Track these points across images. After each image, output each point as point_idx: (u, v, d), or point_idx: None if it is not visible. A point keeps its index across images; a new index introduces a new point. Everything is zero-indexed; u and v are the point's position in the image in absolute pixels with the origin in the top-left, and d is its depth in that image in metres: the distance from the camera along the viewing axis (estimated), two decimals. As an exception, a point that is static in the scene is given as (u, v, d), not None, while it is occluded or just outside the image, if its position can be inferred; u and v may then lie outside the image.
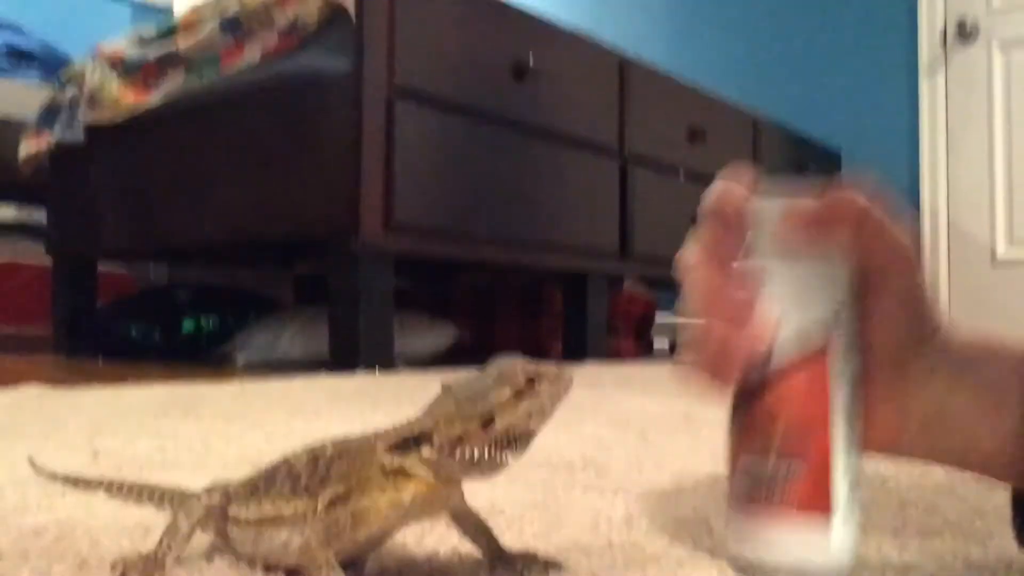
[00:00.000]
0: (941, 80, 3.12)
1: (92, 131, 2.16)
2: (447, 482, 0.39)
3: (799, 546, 0.39)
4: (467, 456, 0.38)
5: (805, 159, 3.06)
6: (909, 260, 0.41)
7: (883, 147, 3.25)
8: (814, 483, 0.39)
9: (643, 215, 2.31)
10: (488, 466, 0.38)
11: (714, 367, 0.42)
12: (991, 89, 3.02)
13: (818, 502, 0.39)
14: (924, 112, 3.15)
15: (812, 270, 0.40)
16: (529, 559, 0.43)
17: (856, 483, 0.40)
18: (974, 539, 0.50)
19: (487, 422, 0.38)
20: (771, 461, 0.39)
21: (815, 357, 0.40)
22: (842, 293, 0.41)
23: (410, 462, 0.39)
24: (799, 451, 0.39)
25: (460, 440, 0.38)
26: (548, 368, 0.39)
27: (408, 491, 0.39)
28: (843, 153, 3.31)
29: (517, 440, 0.38)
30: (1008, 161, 2.99)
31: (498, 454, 0.38)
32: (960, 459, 0.43)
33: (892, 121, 3.23)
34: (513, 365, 0.39)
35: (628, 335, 2.70)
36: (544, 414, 0.38)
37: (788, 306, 0.40)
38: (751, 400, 0.41)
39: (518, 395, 0.38)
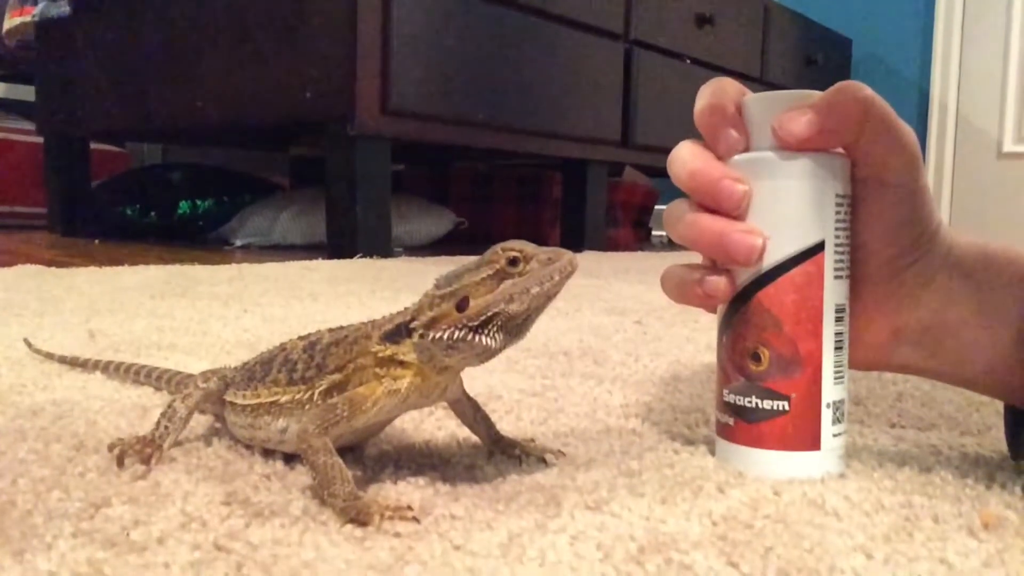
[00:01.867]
0: (960, -33, 3.00)
1: (78, 4, 2.08)
2: (441, 369, 0.39)
3: (784, 470, 0.40)
4: (443, 338, 0.37)
5: (815, 47, 2.98)
6: (912, 156, 0.40)
7: (896, 36, 3.16)
8: (800, 423, 0.39)
9: (647, 102, 2.26)
10: (468, 348, 0.37)
11: (709, 261, 0.41)
12: (1012, -22, 2.92)
13: (804, 442, 0.40)
14: (940, 1, 3.04)
15: (812, 164, 0.39)
16: (527, 445, 0.43)
17: (841, 415, 0.40)
18: (969, 432, 0.50)
19: (461, 303, 0.37)
20: (759, 393, 0.40)
21: (812, 254, 0.39)
22: (842, 188, 0.40)
23: (402, 349, 0.38)
24: (788, 378, 0.39)
25: (434, 322, 0.37)
26: (541, 250, 0.37)
27: (403, 379, 0.38)
28: (855, 42, 3.22)
29: (500, 323, 0.37)
30: (1023, 56, 2.91)
31: (476, 337, 0.36)
32: (954, 373, 0.42)
33: (906, 9, 3.13)
34: (501, 247, 0.37)
35: (627, 224, 2.68)
36: (528, 296, 0.36)
37: (785, 200, 0.39)
38: (744, 300, 0.40)
39: (497, 276, 0.36)
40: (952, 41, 3.03)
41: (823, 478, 0.39)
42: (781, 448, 0.40)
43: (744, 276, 0.40)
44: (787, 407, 0.39)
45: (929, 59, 3.09)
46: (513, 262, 0.36)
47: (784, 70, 2.84)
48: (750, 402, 0.40)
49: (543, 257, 0.37)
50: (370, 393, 0.38)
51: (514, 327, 0.37)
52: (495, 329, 0.37)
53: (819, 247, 0.39)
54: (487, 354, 0.37)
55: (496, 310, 0.36)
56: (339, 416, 0.37)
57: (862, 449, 0.45)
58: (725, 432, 0.41)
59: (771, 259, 0.39)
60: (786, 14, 2.85)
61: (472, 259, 0.38)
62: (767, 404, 0.40)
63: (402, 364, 0.38)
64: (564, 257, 0.37)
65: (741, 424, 0.40)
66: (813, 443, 0.39)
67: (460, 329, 0.37)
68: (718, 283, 0.40)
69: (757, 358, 0.40)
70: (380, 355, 0.39)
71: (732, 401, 0.41)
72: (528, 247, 0.37)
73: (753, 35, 2.69)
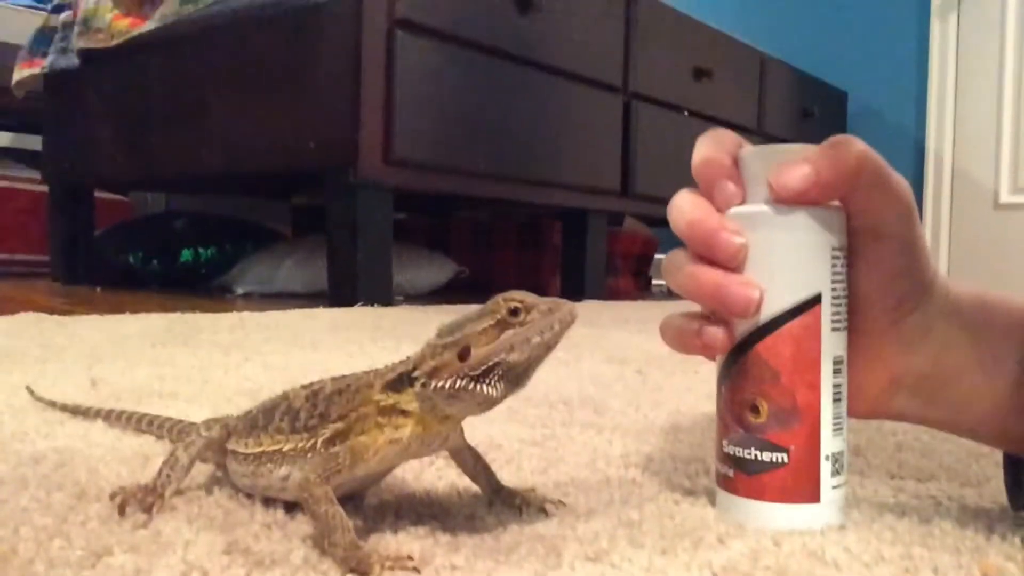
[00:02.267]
0: (953, 22, 3.06)
1: (86, 56, 2.12)
2: (443, 419, 0.39)
3: (784, 522, 0.40)
4: (445, 387, 0.37)
5: (811, 100, 3.02)
6: (907, 208, 0.40)
7: (891, 89, 3.21)
8: (800, 475, 0.40)
9: (645, 153, 2.29)
10: (470, 398, 0.37)
11: (706, 314, 0.42)
12: (1003, 33, 2.97)
13: (803, 494, 0.40)
14: (934, 55, 3.09)
15: (808, 217, 0.40)
16: (527, 495, 0.43)
17: (841, 466, 0.41)
18: (969, 483, 0.50)
19: (463, 353, 0.37)
20: (758, 445, 0.40)
21: (809, 306, 0.40)
22: (838, 240, 0.40)
23: (404, 399, 0.39)
24: (786, 430, 0.40)
25: (436, 371, 0.38)
26: (542, 300, 0.37)
27: (405, 428, 0.39)
28: (850, 95, 3.27)
29: (501, 373, 0.37)
30: (1016, 107, 2.95)
31: (478, 386, 0.37)
32: (953, 422, 0.43)
33: (901, 63, 3.18)
34: (502, 297, 0.38)
35: (627, 273, 2.70)
36: (529, 346, 0.37)
37: (782, 253, 0.40)
38: (742, 352, 0.40)
39: (499, 326, 0.37)
40: (946, 94, 3.08)
41: (823, 530, 0.39)
42: (781, 500, 0.40)
43: (742, 327, 0.40)
44: (786, 459, 0.39)
45: (924, 111, 3.13)
46: (514, 312, 0.37)
47: (780, 122, 2.88)
48: (749, 454, 0.40)
49: (544, 307, 0.37)
50: (372, 442, 0.38)
51: (515, 376, 0.37)
52: (496, 378, 0.37)
53: (816, 299, 0.40)
54: (488, 403, 0.38)
55: (497, 359, 0.37)
56: (340, 465, 0.37)
57: (862, 500, 0.45)
58: (725, 483, 0.42)
59: (769, 311, 0.40)
60: (782, 68, 2.90)
61: (473, 308, 0.38)
62: (766, 456, 0.40)
63: (404, 413, 0.39)
64: (564, 307, 0.37)
65: (741, 476, 0.41)
66: (813, 495, 0.39)
67: (462, 378, 0.37)
68: (716, 334, 0.41)
69: (756, 410, 0.40)
70: (382, 404, 0.39)
71: (732, 452, 0.41)
72: (529, 297, 0.38)
73: (750, 88, 2.74)
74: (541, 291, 0.38)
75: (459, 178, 1.84)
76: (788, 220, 0.40)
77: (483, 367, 0.37)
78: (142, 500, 0.41)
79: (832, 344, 0.40)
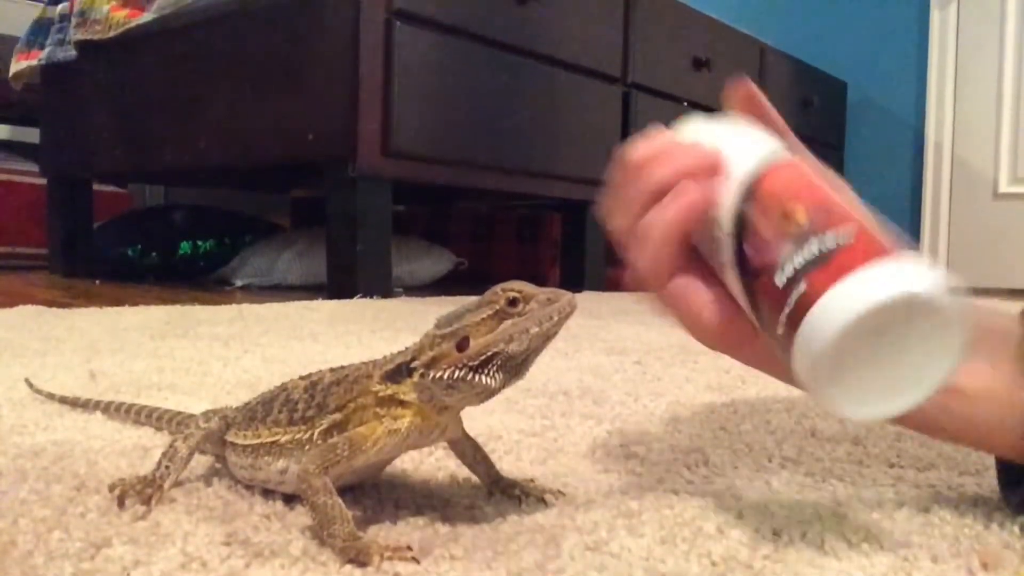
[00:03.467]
0: (953, 11, 3.05)
1: (84, 48, 2.11)
2: (441, 410, 0.39)
3: (881, 283, 0.32)
4: (443, 377, 0.37)
5: (811, 90, 3.01)
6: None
7: (890, 79, 3.20)
8: (871, 237, 0.34)
9: (644, 144, 2.28)
10: (468, 389, 0.37)
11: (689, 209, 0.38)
12: (1003, 24, 2.96)
13: (882, 251, 0.33)
14: (934, 44, 3.08)
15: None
16: (526, 486, 0.43)
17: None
18: (968, 472, 0.50)
19: (461, 343, 0.37)
20: (817, 238, 0.34)
21: (778, 154, 0.38)
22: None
23: (403, 389, 0.39)
24: (834, 212, 0.34)
25: (435, 361, 0.38)
26: (541, 290, 0.37)
27: (404, 419, 0.39)
28: (850, 85, 3.26)
29: (500, 363, 0.37)
30: (1016, 96, 2.94)
31: (477, 376, 0.37)
32: (955, 436, 0.42)
33: (901, 52, 3.17)
34: (501, 288, 0.37)
35: (626, 265, 2.69)
36: (528, 336, 0.37)
37: (741, 142, 0.39)
38: (748, 200, 0.37)
39: (497, 316, 0.37)
40: (946, 83, 3.07)
41: (821, 517, 0.39)
42: (866, 260, 0.33)
43: (731, 191, 0.37)
44: (852, 230, 0.34)
45: (923, 101, 3.12)
46: (513, 302, 0.37)
47: (780, 113, 2.87)
48: (815, 246, 0.34)
49: (543, 298, 0.37)
50: (370, 433, 0.38)
51: (514, 367, 0.37)
52: (495, 369, 0.37)
53: (780, 149, 0.38)
54: (487, 393, 0.38)
55: (496, 350, 0.37)
56: (339, 456, 0.37)
57: (861, 488, 0.45)
58: (800, 305, 0.33)
59: (743, 167, 0.37)
60: (782, 58, 2.89)
61: (472, 299, 0.38)
62: (831, 238, 0.33)
63: (402, 404, 0.39)
64: (563, 298, 0.37)
65: (816, 273, 0.33)
66: (893, 251, 0.33)
67: (460, 369, 0.37)
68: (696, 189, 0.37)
69: (794, 219, 0.35)
70: (381, 395, 0.39)
71: (796, 265, 0.34)
72: (528, 288, 0.37)
73: (750, 78, 2.72)
74: (540, 282, 0.38)
75: (458, 170, 1.83)
76: (735, 126, 0.41)
77: (481, 357, 0.37)
78: (141, 492, 0.41)
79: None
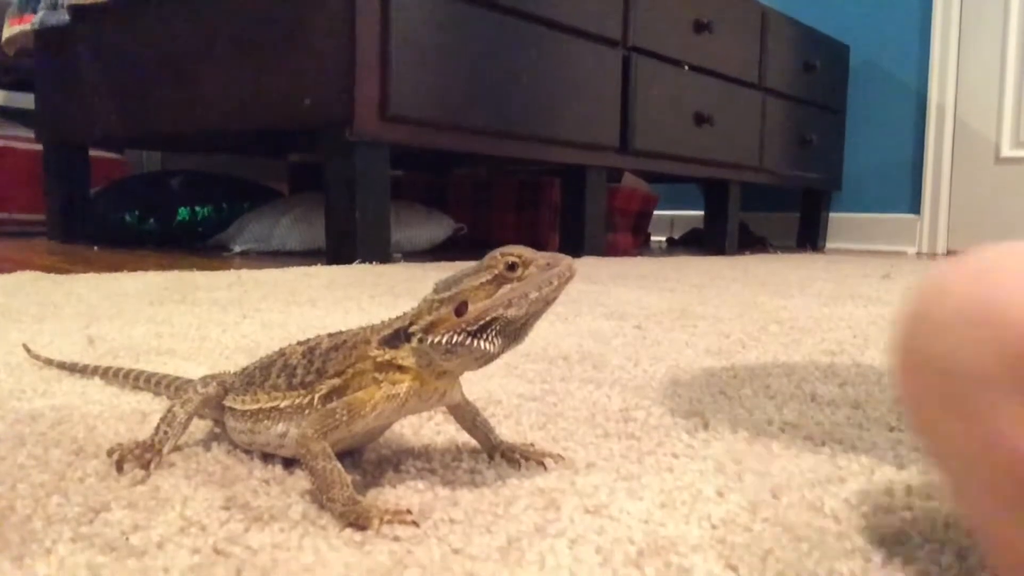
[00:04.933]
0: (957, -28, 3.01)
1: (77, 13, 2.09)
2: (440, 375, 0.39)
3: None
4: (442, 342, 0.37)
5: (813, 54, 2.99)
6: None
7: (893, 42, 3.16)
8: None
9: (645, 108, 2.27)
10: (466, 353, 0.37)
11: None
12: (1008, -16, 2.93)
13: None
14: (937, 7, 3.05)
15: None
16: (526, 450, 0.43)
17: None
18: (968, 436, 0.50)
19: (460, 308, 0.37)
20: None
21: None
22: None
23: (401, 354, 0.38)
24: None
25: (433, 326, 0.37)
26: (540, 255, 0.37)
27: (402, 384, 0.38)
28: (852, 48, 3.23)
29: (498, 328, 0.37)
30: (1020, 60, 2.92)
31: (475, 341, 0.37)
32: None
33: (904, 16, 3.14)
34: (500, 252, 0.37)
35: (626, 229, 2.69)
36: (527, 301, 0.36)
37: None
38: None
39: (496, 281, 0.37)
40: (949, 46, 3.04)
41: (820, 480, 0.39)
42: None
43: None
44: None
45: (927, 65, 3.10)
46: (512, 267, 0.37)
47: (782, 76, 2.85)
48: None
49: (542, 262, 0.37)
50: (369, 398, 0.38)
51: (513, 331, 0.37)
52: (494, 333, 0.37)
53: None
54: (486, 358, 0.38)
55: (495, 315, 0.36)
56: (338, 421, 0.37)
57: (860, 452, 0.45)
58: None
59: None
60: (784, 20, 2.86)
61: (471, 264, 0.38)
62: None
63: (401, 369, 0.38)
64: (563, 262, 0.37)
65: None
66: None
67: (459, 333, 0.37)
68: None
69: None
70: (379, 360, 0.39)
71: None
72: (527, 252, 0.37)
73: (751, 41, 2.70)
74: (540, 247, 0.38)
75: (457, 134, 1.82)
76: None
77: (480, 322, 0.36)
78: (140, 456, 0.41)
79: None
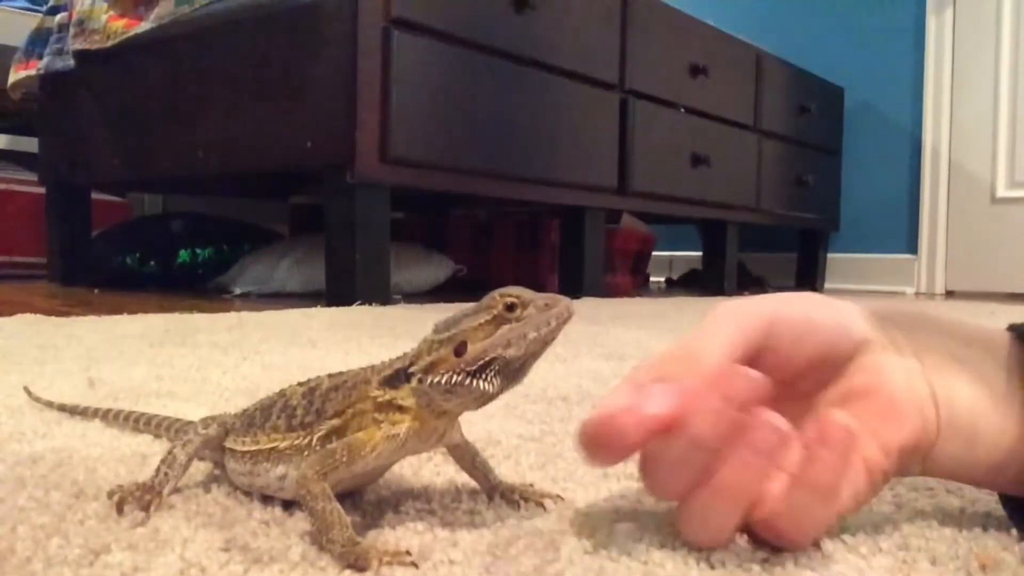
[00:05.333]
0: (949, 17, 3.06)
1: (82, 58, 2.12)
2: (439, 414, 0.39)
3: None
4: (441, 382, 0.37)
5: (808, 96, 3.02)
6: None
7: (887, 85, 3.20)
8: None
9: (643, 150, 2.29)
10: (466, 394, 0.37)
11: None
12: (999, 28, 2.97)
13: None
14: (930, 49, 3.09)
15: None
16: (525, 490, 0.43)
17: None
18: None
19: (459, 348, 0.37)
20: None
21: None
22: None
23: (401, 394, 0.39)
24: None
25: (433, 366, 0.38)
26: (539, 296, 0.37)
27: (402, 424, 0.39)
28: (847, 90, 3.27)
29: (497, 368, 0.37)
30: (1013, 101, 2.95)
31: (474, 381, 0.37)
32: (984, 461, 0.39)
33: (897, 58, 3.18)
34: (499, 293, 0.37)
35: (625, 270, 2.70)
36: (526, 341, 0.37)
37: None
38: None
39: (495, 321, 0.37)
40: (943, 89, 3.08)
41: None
42: None
43: None
44: None
45: (920, 106, 3.13)
46: (511, 307, 0.37)
47: (777, 119, 2.88)
48: None
49: (540, 303, 0.37)
50: (369, 439, 0.38)
51: (511, 372, 0.37)
52: (492, 374, 0.37)
53: None
54: (485, 398, 0.38)
55: (493, 355, 0.37)
56: (338, 461, 0.37)
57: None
58: None
59: None
60: (778, 64, 2.90)
61: (470, 305, 0.38)
62: None
63: (401, 409, 0.39)
64: (561, 303, 0.37)
65: None
66: None
67: (458, 374, 0.37)
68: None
69: None
70: (379, 400, 0.39)
71: None
72: (525, 293, 0.38)
73: (746, 84, 2.74)
74: (539, 289, 0.38)
75: (456, 176, 1.84)
76: None
77: (479, 362, 0.37)
78: (140, 498, 0.41)
79: None
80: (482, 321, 0.37)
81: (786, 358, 0.38)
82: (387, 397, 0.39)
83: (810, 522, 0.35)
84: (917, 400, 0.37)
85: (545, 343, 0.37)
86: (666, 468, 0.35)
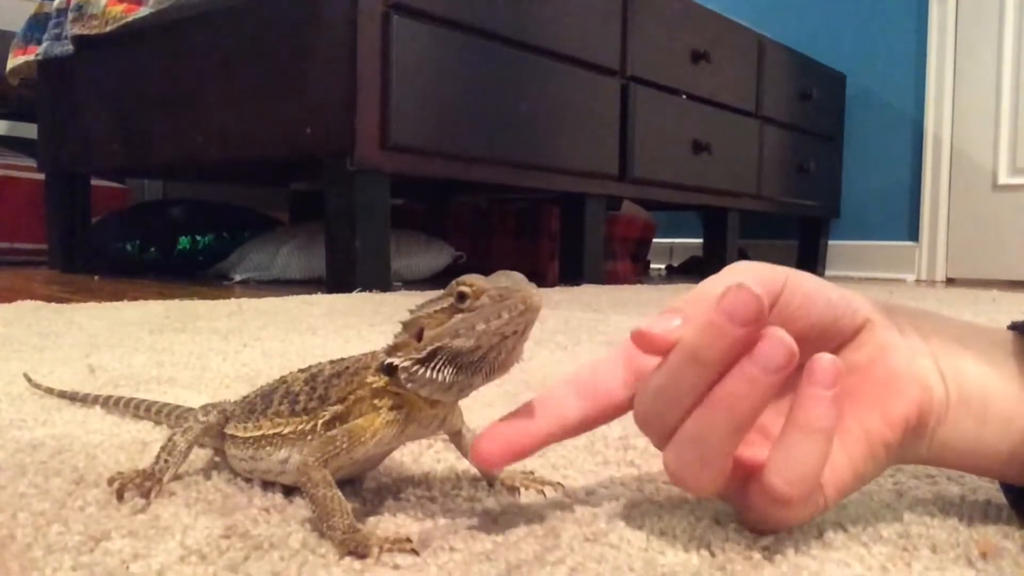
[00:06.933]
0: (951, 3, 3.04)
1: (81, 43, 2.11)
2: (433, 402, 0.39)
3: None
4: (403, 367, 0.37)
5: (810, 83, 3.01)
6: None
7: (889, 71, 3.19)
8: None
9: (644, 137, 2.28)
10: (422, 381, 0.37)
11: None
12: (1002, 14, 2.95)
13: None
14: (932, 36, 3.08)
15: None
16: (525, 477, 0.43)
17: None
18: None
19: (418, 334, 0.37)
20: None
21: None
22: None
23: (395, 380, 0.38)
24: None
25: (394, 349, 0.38)
26: (496, 287, 0.36)
27: (400, 410, 0.39)
28: (849, 77, 3.26)
29: (447, 357, 0.36)
30: (1015, 88, 2.94)
31: (425, 370, 0.36)
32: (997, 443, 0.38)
33: (899, 44, 3.17)
34: (456, 280, 0.36)
35: (625, 257, 2.69)
36: (475, 332, 0.35)
37: None
38: None
39: (451, 309, 0.36)
40: (945, 75, 3.07)
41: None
42: None
43: None
44: None
45: (923, 93, 3.12)
46: (461, 297, 0.36)
47: (779, 105, 2.87)
48: None
49: (494, 294, 0.36)
50: (368, 425, 0.38)
51: (468, 363, 0.36)
52: (441, 363, 0.36)
53: None
54: (443, 388, 0.37)
55: (440, 344, 0.36)
56: (339, 448, 0.37)
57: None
58: None
59: None
60: (780, 50, 2.89)
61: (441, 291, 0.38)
62: None
63: (397, 395, 0.39)
64: (516, 295, 0.35)
65: None
66: None
67: (412, 360, 0.37)
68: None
69: None
70: (374, 386, 0.39)
71: None
72: (480, 282, 0.36)
73: (748, 70, 2.72)
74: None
75: (456, 163, 1.83)
76: None
77: (428, 350, 0.36)
78: (140, 485, 0.41)
79: None
80: (439, 308, 0.36)
81: (792, 319, 0.36)
82: (382, 383, 0.39)
83: (801, 468, 0.33)
84: (922, 375, 0.37)
85: (502, 336, 0.35)
86: (664, 397, 0.34)
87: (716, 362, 0.33)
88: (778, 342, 0.32)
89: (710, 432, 0.33)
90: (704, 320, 0.33)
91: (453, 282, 0.37)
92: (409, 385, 0.37)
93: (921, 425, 0.37)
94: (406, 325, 0.38)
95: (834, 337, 0.38)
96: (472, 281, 0.36)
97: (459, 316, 0.36)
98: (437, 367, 0.36)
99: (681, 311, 0.35)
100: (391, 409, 0.38)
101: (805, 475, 0.33)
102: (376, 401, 0.39)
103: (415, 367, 0.37)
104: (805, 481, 0.33)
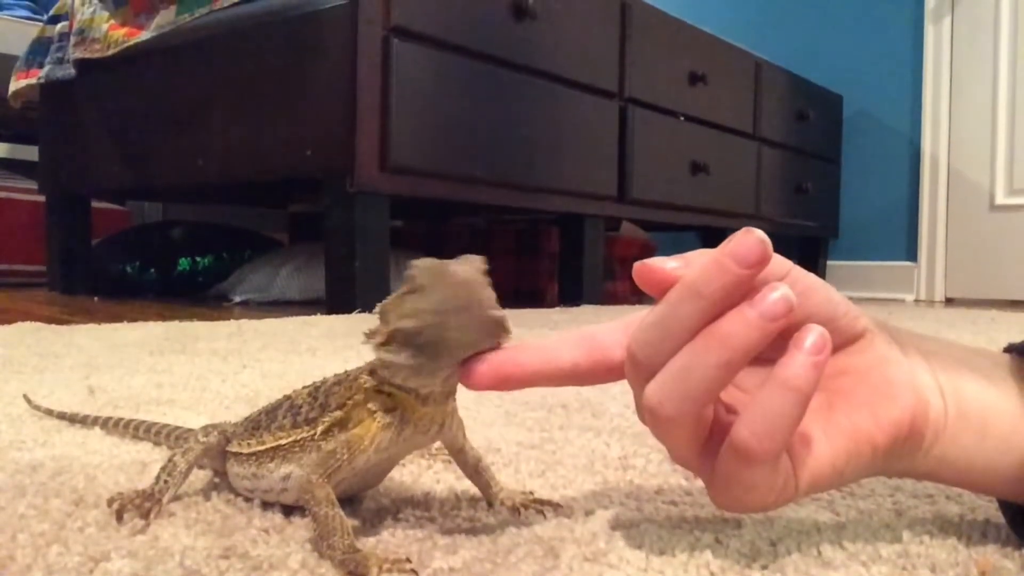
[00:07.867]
0: (947, 25, 3.07)
1: (83, 67, 2.12)
2: (423, 399, 0.38)
3: None
4: (377, 352, 0.37)
5: (807, 104, 3.03)
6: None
7: (886, 92, 3.21)
8: None
9: (642, 158, 2.29)
10: (395, 367, 0.37)
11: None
12: (997, 35, 2.98)
13: None
14: (928, 57, 3.10)
15: None
16: (525, 497, 0.43)
17: None
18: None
19: (384, 317, 0.37)
20: None
21: None
22: None
23: (378, 375, 0.39)
24: None
25: (369, 336, 0.38)
26: (431, 266, 0.35)
27: (395, 411, 0.39)
28: (845, 98, 3.28)
29: (401, 339, 0.36)
30: (1011, 109, 2.96)
31: (384, 353, 0.37)
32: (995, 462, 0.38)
33: (896, 66, 3.19)
34: (410, 263, 0.36)
35: (624, 277, 2.70)
36: (417, 312, 0.35)
37: None
38: None
39: (405, 293, 0.36)
40: (941, 96, 3.09)
41: (819, 528, 0.39)
42: None
43: None
44: None
45: (919, 114, 3.14)
46: (408, 279, 0.36)
47: (776, 126, 2.89)
48: None
49: (428, 274, 0.35)
50: (365, 432, 0.38)
51: (425, 343, 0.36)
52: (398, 345, 0.36)
53: None
54: (412, 371, 0.37)
55: (395, 327, 0.36)
56: (340, 460, 0.38)
57: (858, 497, 0.45)
58: None
59: None
60: (777, 72, 2.91)
61: None
62: None
63: (390, 396, 0.39)
64: (448, 273, 0.35)
65: None
66: None
67: (376, 345, 0.37)
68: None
69: None
70: (367, 387, 0.39)
71: None
72: (425, 263, 0.36)
73: (745, 92, 2.74)
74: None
75: (456, 185, 1.84)
76: None
77: (386, 334, 0.37)
78: (140, 506, 0.41)
79: None
80: (400, 293, 0.37)
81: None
82: (373, 383, 0.39)
83: (770, 422, 0.32)
84: (920, 387, 0.37)
85: (442, 312, 0.35)
86: (659, 328, 0.34)
87: (715, 299, 0.33)
88: (780, 293, 0.33)
89: (698, 365, 0.33)
90: (708, 259, 0.33)
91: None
92: (384, 372, 0.38)
93: (915, 435, 0.37)
94: (379, 313, 0.38)
95: (833, 337, 0.38)
96: (419, 263, 0.36)
97: (408, 298, 0.36)
98: (393, 349, 0.37)
99: (684, 257, 0.36)
100: (386, 412, 0.39)
101: (773, 431, 0.32)
102: (371, 405, 0.39)
103: (380, 351, 0.37)
104: (772, 437, 0.32)
